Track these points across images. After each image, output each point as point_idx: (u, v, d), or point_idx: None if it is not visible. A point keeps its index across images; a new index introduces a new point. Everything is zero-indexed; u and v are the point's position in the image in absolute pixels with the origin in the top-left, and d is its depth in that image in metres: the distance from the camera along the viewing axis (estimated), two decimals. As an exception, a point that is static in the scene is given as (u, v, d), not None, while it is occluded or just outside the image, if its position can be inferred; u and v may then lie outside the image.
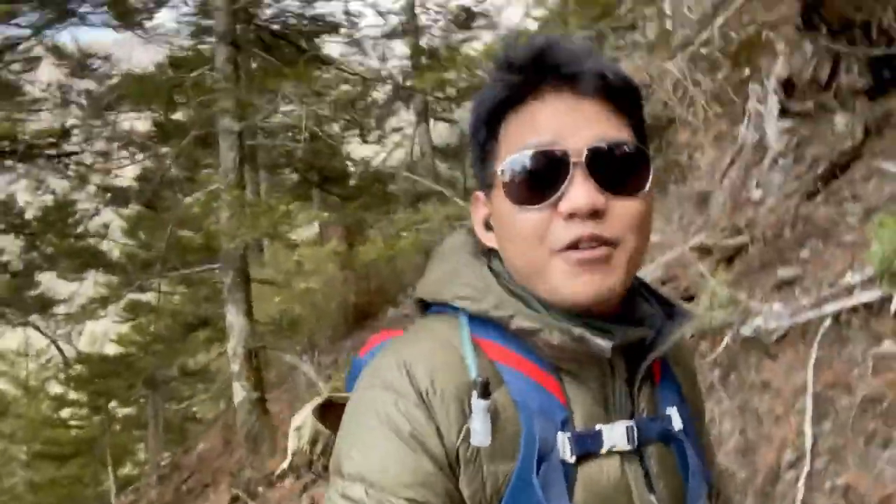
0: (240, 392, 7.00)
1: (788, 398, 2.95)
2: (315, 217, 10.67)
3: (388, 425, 0.70)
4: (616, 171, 0.72)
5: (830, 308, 2.99)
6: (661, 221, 4.26)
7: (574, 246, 0.71)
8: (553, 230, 0.72)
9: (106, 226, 10.19)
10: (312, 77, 7.45)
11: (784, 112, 3.88)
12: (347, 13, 11.76)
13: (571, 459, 0.72)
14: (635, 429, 0.76)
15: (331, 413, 0.86)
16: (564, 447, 0.71)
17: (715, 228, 3.92)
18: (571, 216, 0.71)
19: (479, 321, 0.75)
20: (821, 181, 3.73)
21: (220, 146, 7.09)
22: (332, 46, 10.91)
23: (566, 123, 0.73)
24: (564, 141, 0.72)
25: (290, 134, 7.88)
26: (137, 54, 9.86)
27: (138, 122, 9.38)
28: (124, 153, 9.10)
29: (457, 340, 0.75)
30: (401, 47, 12.26)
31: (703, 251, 3.79)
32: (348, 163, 10.89)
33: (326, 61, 8.85)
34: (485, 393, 0.69)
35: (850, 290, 2.98)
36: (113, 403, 11.75)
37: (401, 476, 0.68)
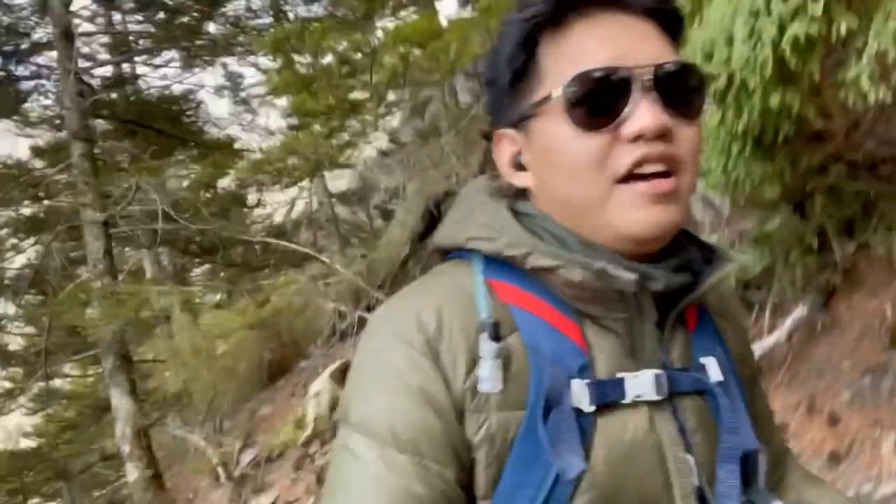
0: (133, 472, 7.16)
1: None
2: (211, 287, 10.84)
3: (394, 377, 0.67)
4: (680, 92, 0.69)
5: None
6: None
7: (638, 174, 0.67)
8: (616, 155, 0.67)
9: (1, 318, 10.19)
10: (171, 159, 7.76)
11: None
12: (229, 74, 12.21)
13: (590, 409, 0.66)
14: (666, 378, 0.69)
15: None
16: (581, 395, 0.66)
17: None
18: (637, 139, 0.66)
19: (496, 263, 0.71)
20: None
21: (86, 236, 7.36)
22: (221, 104, 11.19)
23: (624, 42, 0.68)
24: (626, 60, 0.67)
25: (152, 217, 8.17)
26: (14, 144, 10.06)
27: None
28: (12, 241, 9.27)
29: (469, 283, 0.70)
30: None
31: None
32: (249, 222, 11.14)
33: (198, 139, 9.16)
34: (495, 335, 0.66)
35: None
36: (35, 500, 11.51)
37: (405, 432, 0.65)
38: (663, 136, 0.67)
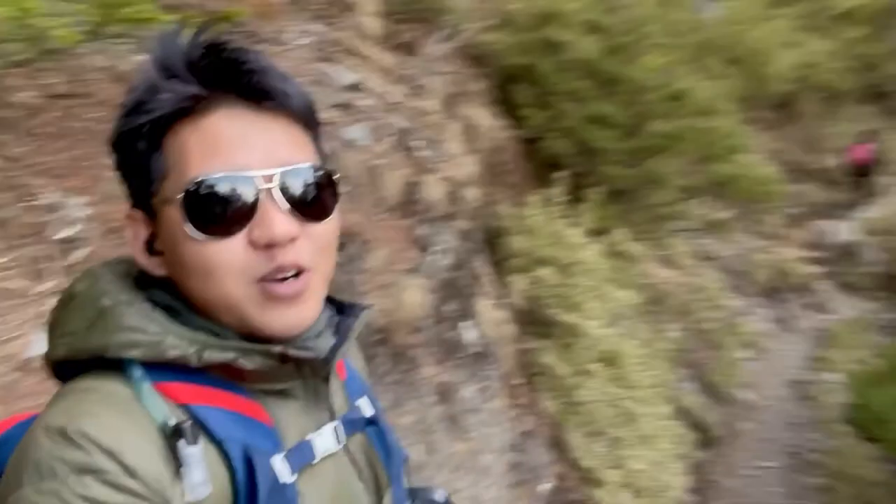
0: None
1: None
2: None
3: None
4: (308, 196, 0.69)
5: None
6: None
7: (271, 277, 0.66)
8: (247, 260, 0.66)
9: None
10: None
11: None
12: None
13: (292, 479, 0.68)
14: (340, 427, 0.75)
15: None
16: (283, 470, 0.67)
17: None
18: (268, 246, 0.66)
19: (155, 366, 0.65)
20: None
21: None
22: None
23: (253, 144, 0.67)
24: (254, 164, 0.66)
25: None
26: None
27: None
28: None
29: (129, 394, 0.64)
30: None
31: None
32: None
33: None
34: (192, 439, 0.62)
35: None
36: None
37: None
38: (291, 241, 0.67)
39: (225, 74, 0.68)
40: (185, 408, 0.65)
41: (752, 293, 8.08)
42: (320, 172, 0.71)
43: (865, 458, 5.76)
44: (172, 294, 0.70)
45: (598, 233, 5.06)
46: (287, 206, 0.67)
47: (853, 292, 8.77)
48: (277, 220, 0.66)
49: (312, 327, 0.73)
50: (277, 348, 0.68)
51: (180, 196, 0.66)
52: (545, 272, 4.01)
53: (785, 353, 7.47)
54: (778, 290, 8.27)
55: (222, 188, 0.66)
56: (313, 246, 0.69)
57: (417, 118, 3.77)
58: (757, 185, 5.41)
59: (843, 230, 9.56)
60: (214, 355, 0.66)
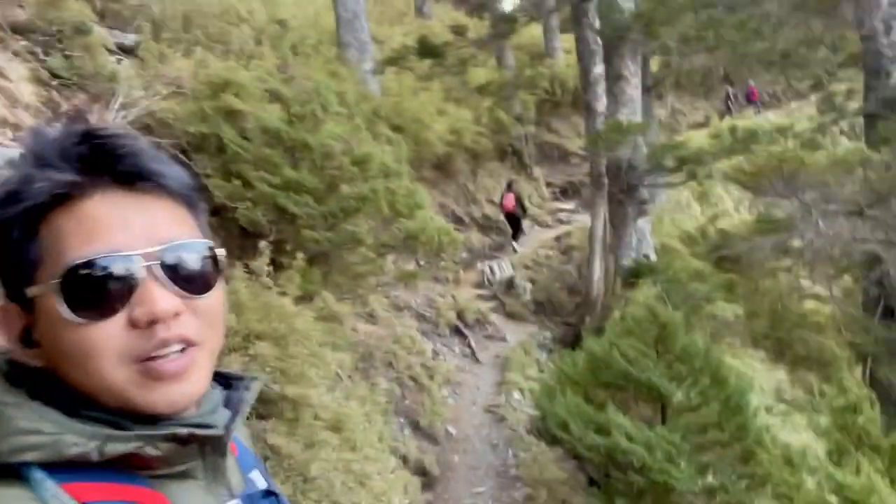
0: None
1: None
2: None
3: None
4: (189, 271, 0.69)
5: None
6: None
7: (153, 354, 0.66)
8: (126, 341, 0.65)
9: None
10: None
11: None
12: None
13: None
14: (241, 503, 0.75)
15: None
16: None
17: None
18: (150, 324, 0.65)
19: (53, 466, 0.62)
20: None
21: None
22: None
23: (131, 225, 0.67)
24: (132, 244, 0.66)
25: None
26: None
27: None
28: None
29: (33, 497, 0.61)
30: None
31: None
32: None
33: None
34: None
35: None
36: None
37: None
38: (177, 315, 0.68)
39: (99, 160, 0.68)
40: None
41: (442, 334, 8.86)
42: (201, 247, 0.72)
43: (554, 462, 6.70)
44: (52, 386, 0.68)
45: (305, 298, 5.03)
46: (169, 281, 0.67)
47: (518, 320, 10.24)
48: (160, 296, 0.66)
49: (206, 403, 0.73)
50: (184, 431, 0.67)
51: (57, 280, 0.65)
52: (262, 347, 3.82)
53: (477, 383, 8.32)
54: (462, 327, 9.22)
55: (100, 269, 0.65)
56: (199, 321, 0.69)
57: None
58: (439, 236, 5.99)
59: (502, 268, 11.16)
60: (118, 447, 0.65)
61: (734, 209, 15.72)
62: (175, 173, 0.72)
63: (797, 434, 8.08)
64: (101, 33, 5.87)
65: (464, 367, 8.56)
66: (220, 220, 5.50)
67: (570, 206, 14.52)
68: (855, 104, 12.57)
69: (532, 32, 15.47)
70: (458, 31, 10.80)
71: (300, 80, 6.53)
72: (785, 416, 8.92)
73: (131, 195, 0.69)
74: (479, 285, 10.85)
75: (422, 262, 7.62)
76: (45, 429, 0.63)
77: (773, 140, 8.26)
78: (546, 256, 11.95)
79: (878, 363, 9.86)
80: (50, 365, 0.68)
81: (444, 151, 10.94)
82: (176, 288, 0.68)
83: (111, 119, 4.04)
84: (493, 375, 8.53)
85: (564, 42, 15.83)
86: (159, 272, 0.67)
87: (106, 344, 0.65)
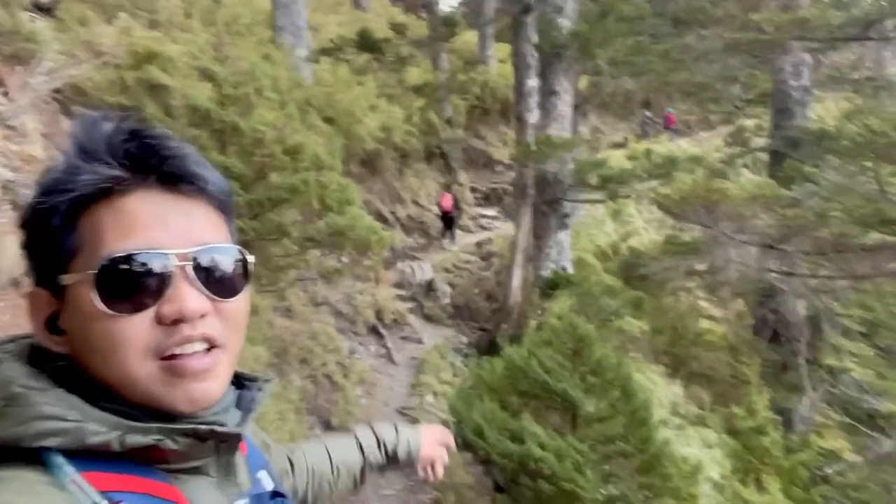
0: None
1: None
2: None
3: None
4: (219, 274, 0.71)
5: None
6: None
7: (177, 351, 0.67)
8: (152, 337, 0.67)
9: None
10: None
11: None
12: None
13: None
14: (250, 502, 0.77)
15: None
16: None
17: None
18: (176, 322, 0.67)
19: (72, 453, 0.63)
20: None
21: None
22: None
23: (168, 224, 0.69)
24: (167, 243, 0.68)
25: None
26: None
27: None
28: None
29: (53, 482, 0.62)
30: None
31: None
32: None
33: None
34: None
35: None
36: None
37: None
38: (202, 317, 0.70)
39: (145, 159, 0.69)
40: (105, 495, 0.64)
41: (359, 332, 8.75)
42: (233, 252, 0.74)
43: (462, 466, 6.76)
44: (73, 375, 0.68)
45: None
46: (200, 283, 0.70)
47: (435, 322, 10.27)
48: (189, 295, 0.68)
49: (221, 402, 0.74)
50: (204, 427, 0.69)
51: (93, 272, 0.67)
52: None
53: (391, 384, 8.27)
54: (379, 326, 9.14)
55: (136, 264, 0.67)
56: (224, 323, 0.72)
57: (22, 166, 3.03)
58: (368, 234, 5.91)
59: (423, 270, 11.16)
60: (138, 439, 0.66)
61: (644, 229, 16.49)
62: (215, 179, 0.74)
63: (689, 448, 8.55)
64: (15, -15, 5.39)
65: (379, 368, 8.49)
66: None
67: (492, 212, 14.74)
68: (761, 140, 13.49)
69: (467, 39, 15.59)
70: (398, 28, 10.72)
71: (234, 59, 6.26)
72: (679, 429, 9.44)
73: (172, 196, 0.70)
74: (399, 285, 10.81)
75: (345, 259, 7.50)
76: (68, 416, 0.64)
77: (688, 167, 8.70)
78: (466, 261, 12.06)
79: (765, 384, 10.60)
80: (71, 353, 0.69)
81: (374, 148, 10.82)
82: (206, 290, 0.70)
83: (35, 84, 3.71)
84: (408, 377, 8.51)
85: (497, 52, 16.06)
86: (191, 273, 0.69)
87: (134, 338, 0.67)
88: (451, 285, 11.21)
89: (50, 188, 0.69)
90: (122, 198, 0.69)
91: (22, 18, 4.18)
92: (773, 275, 6.90)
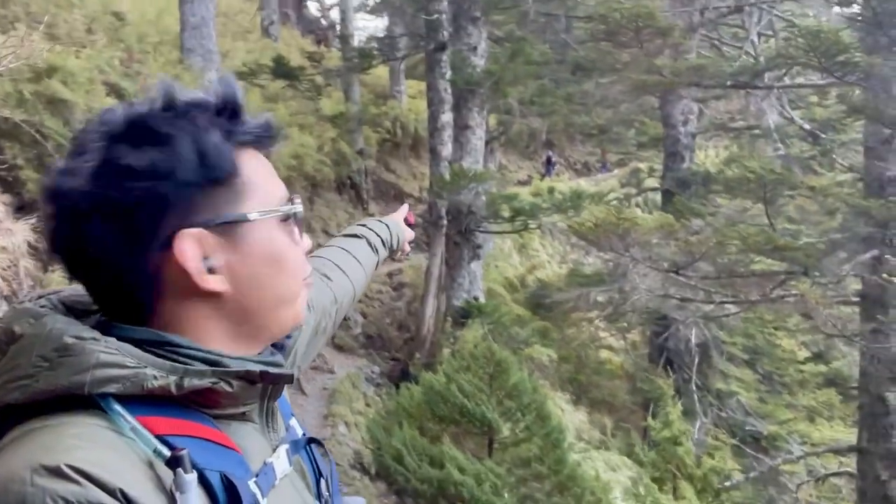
0: None
1: None
2: None
3: None
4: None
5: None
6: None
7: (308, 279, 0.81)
8: (304, 264, 0.81)
9: None
10: None
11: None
12: None
13: (264, 502, 0.70)
14: (290, 449, 0.80)
15: None
16: (258, 494, 0.70)
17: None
18: (306, 253, 0.81)
19: (132, 399, 0.65)
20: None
21: None
22: None
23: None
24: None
25: None
26: None
27: None
28: None
29: (112, 427, 0.63)
30: None
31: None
32: None
33: None
34: (188, 467, 0.62)
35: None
36: None
37: None
38: None
39: (270, 128, 0.81)
40: (162, 438, 0.65)
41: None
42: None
43: (377, 497, 6.63)
44: (109, 326, 0.70)
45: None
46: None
47: (347, 352, 10.12)
48: (304, 235, 0.83)
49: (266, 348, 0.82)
50: (257, 368, 0.72)
51: (281, 208, 0.78)
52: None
53: (302, 415, 8.04)
54: (289, 357, 8.89)
55: (297, 207, 0.80)
56: None
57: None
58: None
59: (333, 300, 10.99)
60: (195, 382, 0.68)
61: (547, 262, 17.11)
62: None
63: (593, 471, 8.85)
64: None
65: (292, 398, 8.24)
66: (34, 216, 4.84)
67: (401, 244, 14.77)
68: (653, 181, 14.50)
69: (378, 73, 15.79)
70: (313, 57, 10.72)
71: (145, 76, 6.06)
72: (584, 452, 9.74)
73: (265, 157, 0.82)
74: (309, 315, 10.59)
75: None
76: (127, 362, 0.65)
77: (593, 203, 9.20)
78: (378, 291, 12.01)
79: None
80: (225, 291, 0.73)
81: (285, 175, 10.66)
82: None
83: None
84: (319, 407, 8.30)
85: (408, 88, 16.36)
86: (301, 218, 0.84)
87: (302, 265, 0.81)
88: (364, 315, 11.11)
89: (205, 126, 0.73)
90: (253, 151, 0.79)
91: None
92: (673, 302, 7.39)
